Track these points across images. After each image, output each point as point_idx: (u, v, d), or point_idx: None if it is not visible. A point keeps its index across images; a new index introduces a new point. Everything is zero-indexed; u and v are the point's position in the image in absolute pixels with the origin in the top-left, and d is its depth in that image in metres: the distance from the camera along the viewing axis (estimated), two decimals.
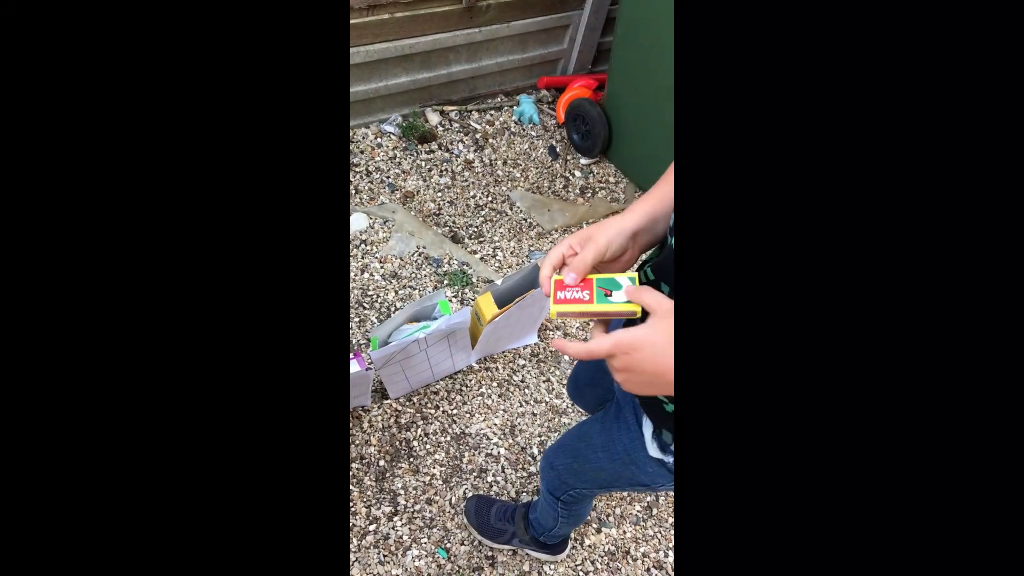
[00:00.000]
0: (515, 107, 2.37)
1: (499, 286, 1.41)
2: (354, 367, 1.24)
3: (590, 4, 2.21)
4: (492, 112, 2.35)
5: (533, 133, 2.32)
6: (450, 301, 1.74)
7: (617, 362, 0.52)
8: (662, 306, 0.51)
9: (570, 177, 2.21)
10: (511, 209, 2.05)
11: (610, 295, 0.56)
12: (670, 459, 0.70)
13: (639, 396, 0.70)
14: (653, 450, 0.71)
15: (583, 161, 2.26)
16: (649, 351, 0.49)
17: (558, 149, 2.28)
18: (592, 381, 1.00)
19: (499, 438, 1.53)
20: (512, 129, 2.31)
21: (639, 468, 0.76)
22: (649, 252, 0.67)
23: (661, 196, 0.63)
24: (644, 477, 0.76)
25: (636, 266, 0.68)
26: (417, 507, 1.40)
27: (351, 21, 1.83)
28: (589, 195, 2.16)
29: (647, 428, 0.72)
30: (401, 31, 1.95)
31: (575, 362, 1.67)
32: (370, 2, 1.82)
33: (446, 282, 1.79)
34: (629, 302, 0.55)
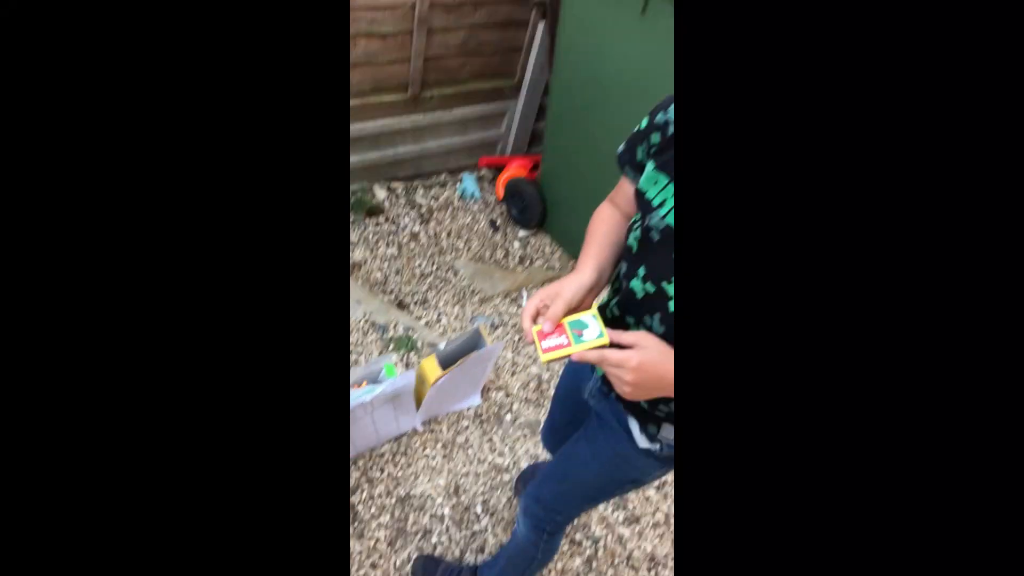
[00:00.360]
0: (458, 184, 2.55)
1: (443, 349, 1.51)
2: None
3: (524, 95, 2.47)
4: (436, 188, 2.52)
5: (475, 207, 2.49)
6: (395, 365, 1.81)
7: (629, 375, 0.65)
8: (636, 336, 0.68)
9: (509, 248, 2.37)
10: (455, 277, 2.18)
11: (582, 334, 0.70)
12: (656, 447, 0.83)
13: (624, 402, 0.84)
14: (643, 442, 0.84)
15: (521, 233, 2.44)
16: (651, 361, 0.66)
17: (498, 222, 2.46)
18: (571, 419, 1.10)
19: (443, 498, 1.57)
20: (455, 204, 2.48)
21: (631, 464, 0.88)
22: (606, 294, 0.84)
23: (598, 253, 0.81)
24: (635, 472, 0.90)
25: (597, 306, 0.83)
26: (361, 572, 1.40)
27: None
28: (527, 264, 2.33)
29: (634, 426, 0.84)
30: (352, 117, 2.11)
31: (519, 419, 1.76)
32: None
33: (392, 347, 1.86)
34: (599, 336, 0.69)
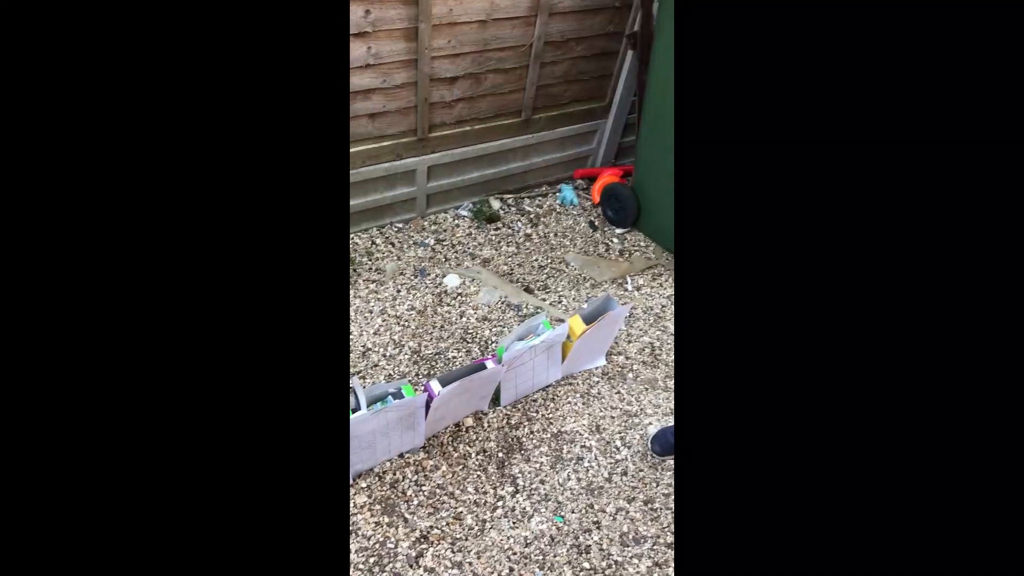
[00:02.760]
0: (557, 194, 2.96)
1: (585, 309, 1.87)
2: (490, 365, 1.66)
3: (613, 114, 2.88)
4: (540, 198, 2.93)
5: (574, 212, 2.89)
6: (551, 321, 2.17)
7: None
8: None
9: (609, 243, 2.74)
10: (567, 267, 2.56)
11: None
12: None
13: None
14: None
15: (617, 231, 2.81)
16: None
17: (595, 223, 2.84)
18: None
19: (589, 434, 1.91)
20: (557, 210, 2.88)
21: None
22: None
23: None
24: None
25: None
26: (533, 486, 1.75)
27: (446, 133, 2.44)
28: (627, 255, 2.69)
29: None
30: (478, 139, 2.56)
31: (639, 377, 2.08)
32: (458, 118, 2.45)
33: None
34: None
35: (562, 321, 2.25)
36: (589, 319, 1.86)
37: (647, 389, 2.08)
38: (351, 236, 2.49)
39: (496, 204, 2.82)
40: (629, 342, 2.25)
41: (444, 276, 2.39)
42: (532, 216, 2.81)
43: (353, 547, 1.55)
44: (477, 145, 2.58)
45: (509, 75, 2.45)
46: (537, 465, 1.80)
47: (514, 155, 2.77)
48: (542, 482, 1.76)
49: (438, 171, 2.56)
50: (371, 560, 1.54)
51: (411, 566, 1.54)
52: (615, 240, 2.76)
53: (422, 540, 1.59)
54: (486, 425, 1.87)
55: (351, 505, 1.63)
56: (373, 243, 2.50)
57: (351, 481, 1.66)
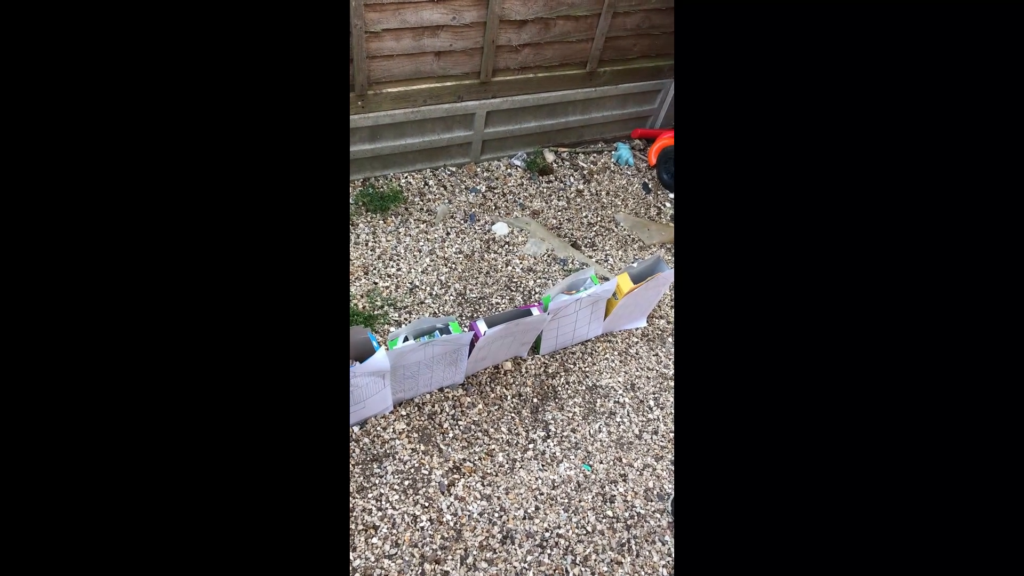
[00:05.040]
0: (613, 152, 2.90)
1: (635, 268, 1.87)
2: (535, 312, 1.69)
3: None
4: (595, 155, 2.88)
5: (628, 172, 2.84)
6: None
7: None
8: None
9: (661, 207, 2.70)
10: (616, 227, 2.53)
11: None
12: None
13: None
14: None
15: (671, 196, 2.75)
16: None
17: (649, 185, 2.78)
18: None
19: (623, 391, 1.93)
20: (612, 168, 2.84)
21: None
22: None
23: None
24: None
25: None
26: (565, 433, 1.79)
27: (508, 78, 2.41)
28: None
29: None
30: (539, 87, 2.52)
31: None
32: (523, 64, 2.40)
33: None
34: None
35: (606, 279, 2.25)
36: (637, 278, 1.86)
37: None
38: (405, 175, 2.52)
39: (550, 156, 2.79)
40: (672, 307, 2.24)
41: (493, 223, 2.40)
42: (585, 172, 2.77)
43: (390, 468, 1.64)
44: (538, 94, 2.54)
45: (579, 23, 2.37)
46: (570, 414, 1.85)
47: (574, 107, 2.72)
48: (573, 431, 1.81)
49: (496, 117, 2.53)
50: (406, 483, 1.62)
51: (443, 493, 1.62)
52: (667, 205, 2.71)
53: (454, 471, 1.67)
54: (524, 371, 1.92)
55: (391, 431, 1.71)
56: (426, 184, 2.51)
57: (392, 408, 1.74)
